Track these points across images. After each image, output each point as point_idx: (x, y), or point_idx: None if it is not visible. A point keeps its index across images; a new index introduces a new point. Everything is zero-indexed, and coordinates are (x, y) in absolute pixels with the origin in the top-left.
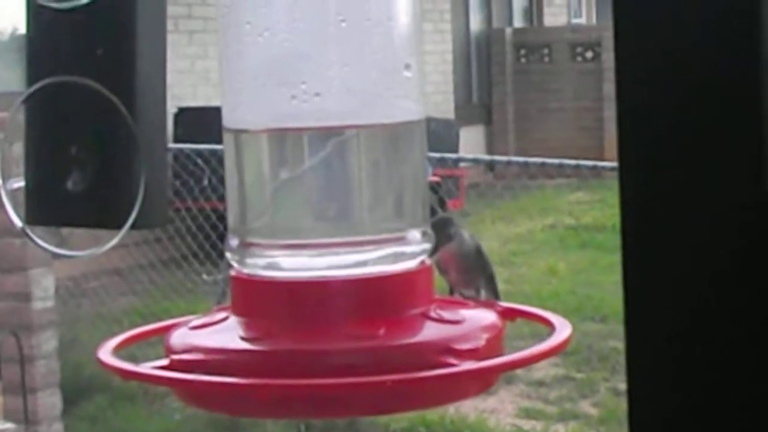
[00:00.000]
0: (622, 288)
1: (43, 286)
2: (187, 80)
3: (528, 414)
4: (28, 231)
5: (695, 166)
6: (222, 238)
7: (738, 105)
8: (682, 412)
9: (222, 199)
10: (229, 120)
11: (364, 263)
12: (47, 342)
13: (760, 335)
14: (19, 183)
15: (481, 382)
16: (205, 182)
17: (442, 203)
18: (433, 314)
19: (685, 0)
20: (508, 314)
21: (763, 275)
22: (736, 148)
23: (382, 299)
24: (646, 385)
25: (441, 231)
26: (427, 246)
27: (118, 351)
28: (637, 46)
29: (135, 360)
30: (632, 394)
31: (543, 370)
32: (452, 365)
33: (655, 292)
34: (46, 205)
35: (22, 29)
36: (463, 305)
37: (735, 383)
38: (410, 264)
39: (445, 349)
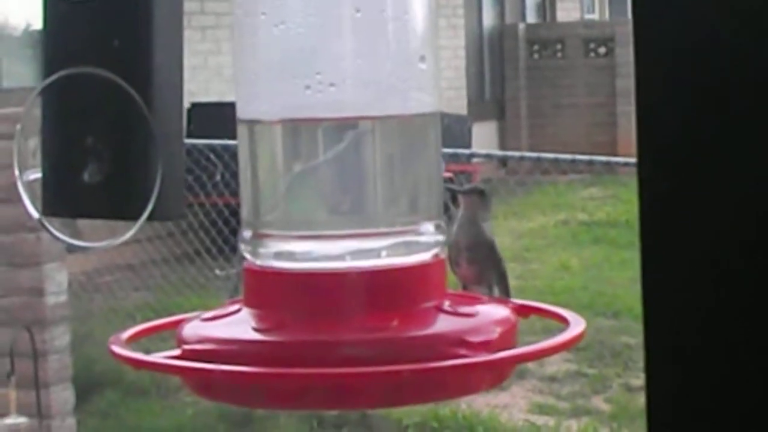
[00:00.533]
0: (640, 284)
1: (57, 281)
2: (200, 76)
3: (540, 409)
4: (45, 222)
5: (714, 162)
6: (235, 233)
7: (758, 100)
8: (701, 408)
9: (235, 194)
10: (243, 111)
11: (377, 254)
12: (60, 337)
13: None
14: (36, 175)
15: (494, 375)
16: (218, 177)
17: (454, 199)
18: (446, 307)
19: None
20: (521, 311)
21: None
22: (755, 143)
23: (395, 291)
24: (664, 382)
25: (479, 200)
26: (441, 238)
27: (130, 343)
28: (656, 40)
29: (148, 354)
30: (651, 391)
31: (555, 365)
32: (465, 357)
33: (673, 289)
34: (62, 197)
35: (36, 25)
36: (477, 300)
37: (754, 379)
38: (424, 256)
39: (458, 341)
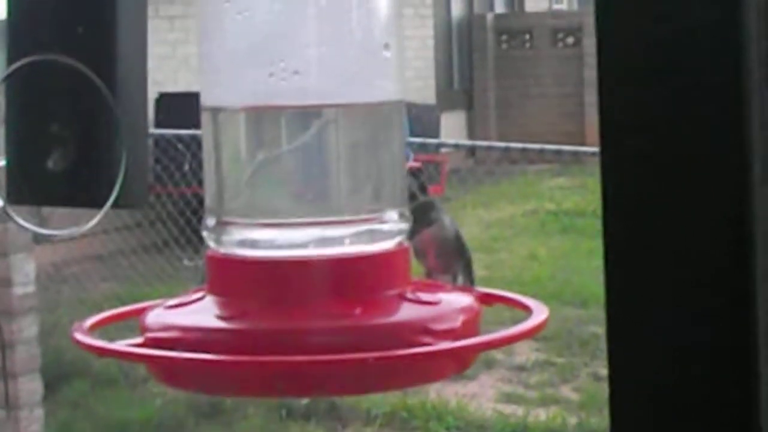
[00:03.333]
0: (603, 274)
1: (24, 272)
2: (167, 66)
3: (509, 399)
4: (10, 211)
5: (677, 155)
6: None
7: (722, 93)
8: (664, 400)
9: (202, 184)
10: (207, 98)
11: (340, 241)
12: (28, 327)
13: (745, 319)
14: (0, 162)
15: (458, 363)
16: (186, 167)
17: (423, 189)
18: (410, 295)
19: None
20: (485, 299)
21: (748, 259)
22: (719, 132)
23: (359, 279)
24: (627, 372)
25: (423, 215)
26: (405, 226)
27: (95, 331)
28: (619, 30)
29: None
30: (614, 380)
31: (524, 355)
32: (429, 345)
33: (636, 281)
34: (27, 185)
35: (1, 15)
36: (440, 288)
37: (718, 370)
38: (388, 244)
39: (421, 329)
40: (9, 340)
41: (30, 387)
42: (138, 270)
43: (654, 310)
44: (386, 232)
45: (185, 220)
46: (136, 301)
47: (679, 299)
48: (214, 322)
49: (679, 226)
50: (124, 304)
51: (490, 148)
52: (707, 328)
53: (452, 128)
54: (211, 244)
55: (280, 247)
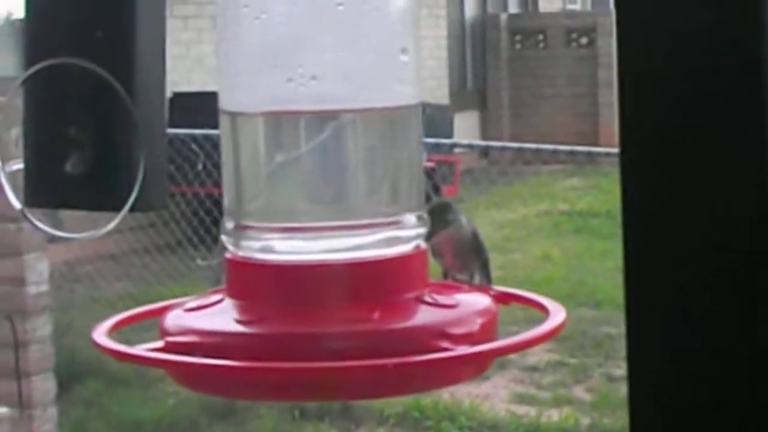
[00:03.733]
0: (623, 275)
1: (38, 271)
2: (181, 65)
3: (522, 399)
4: (28, 213)
5: (697, 157)
6: (216, 223)
7: (742, 93)
8: (683, 401)
9: (216, 184)
10: (225, 102)
11: (359, 247)
12: (42, 327)
13: (764, 322)
14: (18, 165)
15: (476, 366)
16: (200, 167)
17: (436, 189)
18: (427, 298)
19: None
20: (501, 298)
21: (766, 260)
22: (739, 133)
23: (376, 283)
24: (646, 374)
25: (440, 216)
26: (423, 230)
27: (112, 333)
28: (639, 30)
29: (130, 344)
30: (632, 381)
31: (536, 355)
32: (447, 349)
33: (655, 279)
34: (45, 188)
35: (18, 14)
36: (458, 289)
37: (736, 370)
38: (405, 248)
39: (439, 334)
40: (23, 340)
41: (43, 386)
42: (151, 269)
43: (673, 311)
44: (404, 235)
45: (199, 220)
46: (149, 300)
47: (699, 301)
48: (233, 326)
49: (699, 228)
50: (137, 303)
51: (503, 148)
52: (727, 330)
53: (466, 128)
54: (230, 247)
55: (298, 251)
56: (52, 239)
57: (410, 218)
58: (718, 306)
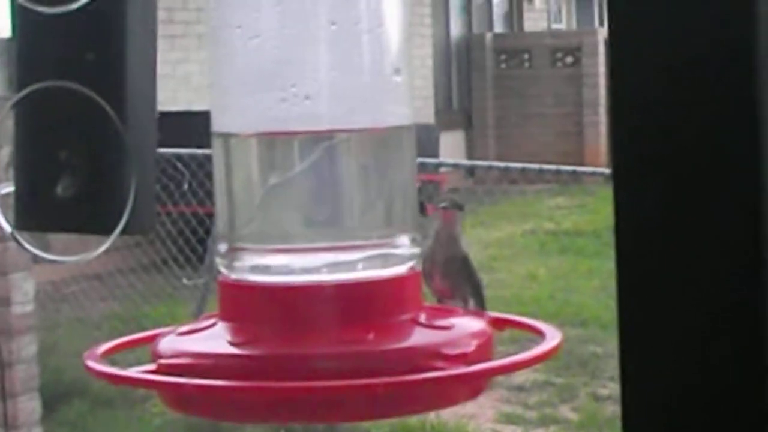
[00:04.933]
0: (616, 292)
1: (23, 291)
2: (167, 85)
3: (508, 419)
4: (18, 236)
5: (690, 172)
6: (202, 242)
7: (737, 114)
8: (677, 420)
9: (202, 203)
10: (218, 124)
11: (352, 267)
12: (27, 347)
13: (761, 338)
14: (9, 188)
15: (471, 388)
16: (185, 187)
17: (421, 208)
18: (422, 320)
19: (681, 4)
20: (497, 324)
21: (763, 277)
22: (732, 150)
23: (371, 304)
24: (639, 394)
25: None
26: (416, 251)
27: (105, 358)
28: (631, 48)
29: (115, 364)
30: (626, 402)
31: (523, 375)
32: (442, 370)
33: (649, 300)
34: (36, 211)
35: (3, 33)
36: (452, 313)
37: (730, 387)
38: (399, 269)
39: (434, 354)
40: (8, 360)
41: (29, 406)
42: (137, 289)
43: (666, 329)
44: (398, 256)
45: (184, 239)
46: (135, 320)
47: (693, 318)
48: (226, 348)
49: (692, 247)
50: (123, 323)
51: (489, 167)
52: (722, 348)
53: (451, 148)
54: (223, 269)
55: (292, 272)
56: (38, 259)
57: (404, 239)
58: (715, 322)
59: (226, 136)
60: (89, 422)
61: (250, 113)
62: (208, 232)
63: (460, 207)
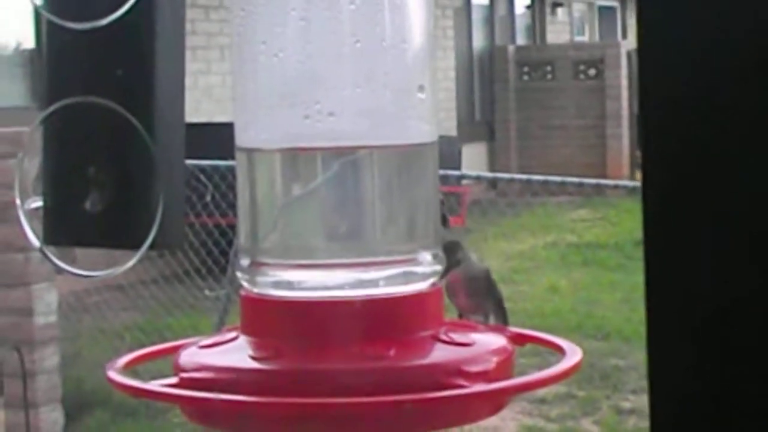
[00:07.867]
0: (644, 301)
1: (46, 302)
2: (189, 96)
3: (530, 431)
4: (46, 251)
5: (721, 184)
6: (224, 254)
7: (763, 116)
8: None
9: (224, 215)
10: (242, 139)
11: (374, 284)
12: (49, 357)
13: None
14: (38, 203)
15: (491, 405)
16: (208, 198)
17: (444, 220)
18: (443, 336)
19: (711, 12)
20: (518, 339)
21: None
22: (761, 161)
23: (392, 320)
24: (669, 405)
25: (449, 256)
26: (438, 268)
27: (127, 369)
28: (661, 59)
29: (135, 374)
30: (655, 412)
31: (545, 387)
32: (462, 387)
33: (678, 310)
34: (64, 225)
35: (27, 43)
36: (473, 329)
37: (760, 402)
38: (421, 285)
39: (455, 371)
40: (30, 370)
41: (51, 417)
42: (159, 300)
43: (695, 341)
44: (420, 273)
45: (207, 251)
46: (157, 331)
47: (722, 328)
48: (248, 363)
49: (719, 256)
50: (145, 333)
51: (511, 179)
52: (756, 362)
53: (473, 160)
54: (245, 284)
55: (314, 288)
56: (61, 270)
57: (426, 256)
58: (743, 332)
59: (250, 152)
60: None
61: (274, 129)
62: (230, 243)
63: (453, 244)
